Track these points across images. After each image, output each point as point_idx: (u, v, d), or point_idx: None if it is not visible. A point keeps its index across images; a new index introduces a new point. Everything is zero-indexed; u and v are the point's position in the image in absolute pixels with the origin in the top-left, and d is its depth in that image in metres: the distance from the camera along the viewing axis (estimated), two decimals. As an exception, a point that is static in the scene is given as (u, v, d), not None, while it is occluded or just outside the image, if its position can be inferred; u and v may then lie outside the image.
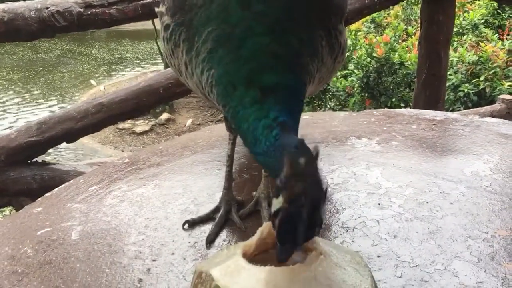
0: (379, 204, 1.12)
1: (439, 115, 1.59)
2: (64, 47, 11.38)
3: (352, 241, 1.01)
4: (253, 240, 0.71)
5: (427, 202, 1.12)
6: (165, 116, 8.10)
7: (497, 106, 4.55)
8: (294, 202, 0.66)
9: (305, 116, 1.63)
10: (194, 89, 1.02)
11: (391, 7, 6.83)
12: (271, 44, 0.84)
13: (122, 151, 7.38)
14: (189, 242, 1.04)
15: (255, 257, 0.69)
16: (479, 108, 4.73)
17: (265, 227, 0.71)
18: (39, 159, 2.51)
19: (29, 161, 2.45)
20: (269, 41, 0.84)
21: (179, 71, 1.02)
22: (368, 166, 1.28)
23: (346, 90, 5.78)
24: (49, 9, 2.04)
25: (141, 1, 2.14)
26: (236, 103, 0.83)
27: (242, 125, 0.82)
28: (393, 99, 5.49)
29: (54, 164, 2.55)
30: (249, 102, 0.81)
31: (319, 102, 5.90)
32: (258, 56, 0.84)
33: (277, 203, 0.68)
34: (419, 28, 3.12)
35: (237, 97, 0.83)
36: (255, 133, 0.79)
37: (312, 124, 1.55)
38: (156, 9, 1.08)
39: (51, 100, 8.85)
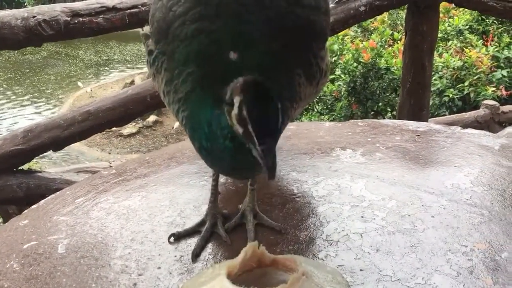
0: (362, 217, 1.15)
1: (422, 126, 1.62)
2: (51, 48, 11.29)
3: (336, 254, 1.03)
4: (237, 260, 0.72)
5: (409, 215, 1.14)
6: (152, 118, 8.07)
7: (481, 111, 4.63)
8: (247, 87, 0.78)
9: (291, 127, 1.65)
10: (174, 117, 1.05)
11: (377, 12, 6.88)
12: None
13: (109, 153, 7.35)
14: (175, 256, 1.05)
15: (239, 277, 0.70)
16: (464, 113, 4.80)
17: (249, 248, 0.73)
18: (25, 167, 2.50)
19: (14, 169, 2.44)
20: None
21: (159, 94, 1.05)
22: (352, 178, 1.30)
23: (333, 94, 5.82)
24: (35, 17, 2.04)
25: (129, 10, 2.14)
26: (195, 125, 0.88)
27: (206, 142, 0.87)
28: (380, 104, 5.54)
29: (40, 172, 2.53)
30: (203, 106, 0.88)
31: (307, 106, 5.93)
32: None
33: (235, 106, 0.79)
34: (404, 34, 3.16)
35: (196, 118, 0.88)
36: (212, 127, 0.86)
37: (298, 135, 1.57)
38: (141, 31, 1.09)
39: (37, 102, 8.78)
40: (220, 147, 0.87)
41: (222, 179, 1.26)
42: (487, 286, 0.93)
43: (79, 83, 9.40)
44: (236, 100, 0.78)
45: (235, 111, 0.79)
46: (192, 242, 1.08)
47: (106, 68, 10.57)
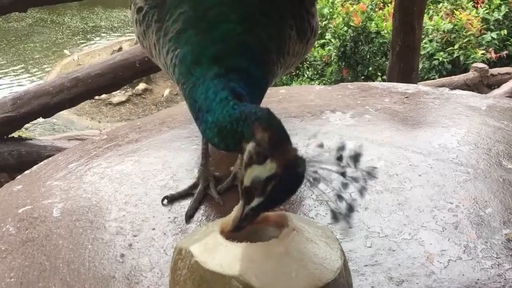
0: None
1: (411, 88, 1.63)
2: (35, 15, 11.04)
3: (326, 213, 1.06)
4: (230, 217, 0.74)
5: (397, 175, 1.17)
6: (142, 86, 8.00)
7: (470, 74, 4.65)
8: (290, 168, 0.68)
9: (281, 90, 1.65)
10: (164, 70, 1.03)
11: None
12: (243, 34, 0.86)
13: (99, 122, 7.30)
14: (169, 218, 1.07)
15: (231, 234, 0.72)
16: (453, 76, 4.82)
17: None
18: (15, 136, 2.49)
19: (5, 137, 2.43)
20: (241, 31, 0.86)
21: (151, 52, 1.03)
22: (342, 140, 1.32)
23: (324, 59, 5.79)
24: (20, -19, 1.99)
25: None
26: (196, 77, 0.84)
27: (199, 97, 0.81)
28: (370, 68, 5.54)
29: (31, 139, 2.53)
30: (211, 76, 0.82)
31: (297, 71, 5.91)
32: (228, 41, 0.86)
33: (266, 169, 0.69)
34: (394, -3, 3.12)
35: (198, 71, 0.84)
36: (211, 104, 0.79)
37: (288, 98, 1.58)
38: None
39: (24, 71, 8.64)
40: (215, 127, 0.80)
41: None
42: (471, 240, 0.97)
43: (66, 51, 9.25)
44: (271, 166, 0.68)
45: (260, 174, 0.69)
46: (185, 204, 1.11)
47: (93, 35, 10.37)
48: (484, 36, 5.42)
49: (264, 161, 0.69)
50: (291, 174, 0.69)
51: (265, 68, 0.90)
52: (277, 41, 0.92)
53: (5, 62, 8.97)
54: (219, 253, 0.68)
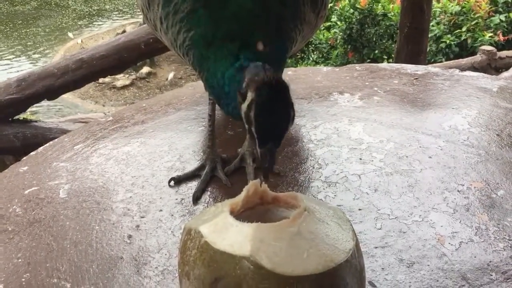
0: (360, 159, 1.16)
1: (420, 69, 1.60)
2: (39, -2, 10.97)
3: (335, 195, 1.05)
4: (239, 198, 0.73)
5: (406, 156, 1.15)
6: (146, 69, 7.96)
7: (478, 57, 4.59)
8: (262, 89, 0.72)
9: (288, 72, 1.63)
10: (168, 45, 1.01)
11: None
12: (254, 8, 0.85)
13: (103, 106, 7.29)
14: (176, 199, 1.06)
15: (241, 214, 0.71)
16: (461, 59, 4.76)
17: (251, 186, 0.74)
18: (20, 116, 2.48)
19: (10, 119, 2.43)
20: (252, 6, 0.84)
21: (154, 25, 1.01)
22: (351, 122, 1.30)
23: (329, 42, 5.73)
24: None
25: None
26: (210, 61, 0.84)
27: (212, 82, 0.83)
28: (376, 51, 5.47)
29: (36, 121, 2.52)
30: (221, 56, 0.83)
31: (302, 54, 5.85)
32: (240, 17, 0.84)
33: (246, 101, 0.73)
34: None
35: (211, 53, 0.84)
36: (223, 89, 0.81)
37: (295, 80, 1.56)
38: None
39: (28, 53, 8.62)
40: (230, 103, 0.84)
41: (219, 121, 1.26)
42: (483, 222, 0.96)
43: (70, 34, 9.20)
44: (249, 96, 0.74)
45: (244, 108, 0.75)
46: (192, 186, 1.10)
47: (98, 18, 10.31)
48: (492, 18, 5.34)
49: (244, 98, 0.75)
50: (264, 94, 0.72)
51: (281, 38, 0.88)
52: (291, 9, 0.90)
53: (10, 45, 8.95)
54: (229, 233, 0.67)
